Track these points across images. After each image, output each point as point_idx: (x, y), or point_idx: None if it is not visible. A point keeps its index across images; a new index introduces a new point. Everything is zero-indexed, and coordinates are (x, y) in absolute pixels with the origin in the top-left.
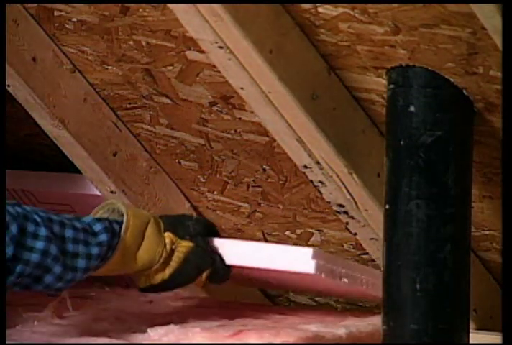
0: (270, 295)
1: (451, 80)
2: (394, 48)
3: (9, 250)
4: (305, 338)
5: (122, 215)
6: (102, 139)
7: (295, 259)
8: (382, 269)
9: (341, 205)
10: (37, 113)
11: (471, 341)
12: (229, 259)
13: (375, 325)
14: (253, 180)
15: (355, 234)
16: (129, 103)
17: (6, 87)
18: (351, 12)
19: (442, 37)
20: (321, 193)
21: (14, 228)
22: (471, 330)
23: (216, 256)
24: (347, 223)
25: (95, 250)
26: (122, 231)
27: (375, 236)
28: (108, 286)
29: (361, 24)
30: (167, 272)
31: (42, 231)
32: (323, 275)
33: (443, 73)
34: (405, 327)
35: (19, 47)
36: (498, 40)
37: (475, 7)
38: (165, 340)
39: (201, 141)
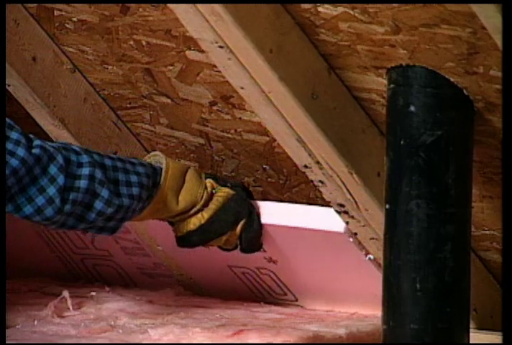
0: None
1: (452, 79)
2: (394, 48)
3: (60, 179)
4: (306, 338)
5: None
6: (102, 139)
7: (326, 219)
8: (382, 268)
9: (341, 205)
10: (37, 113)
11: (471, 341)
12: (263, 219)
13: (375, 325)
14: (253, 180)
15: (355, 234)
16: (129, 103)
17: (7, 86)
18: (351, 12)
19: (442, 36)
20: (321, 193)
21: (60, 159)
22: (471, 330)
23: (253, 208)
24: (347, 223)
25: (134, 178)
26: (163, 170)
27: (375, 235)
28: (108, 286)
29: (361, 23)
30: (206, 214)
31: (85, 158)
32: (351, 239)
33: (443, 73)
34: (405, 326)
35: (19, 47)
36: (498, 40)
37: (475, 7)
38: (165, 340)
39: (201, 140)
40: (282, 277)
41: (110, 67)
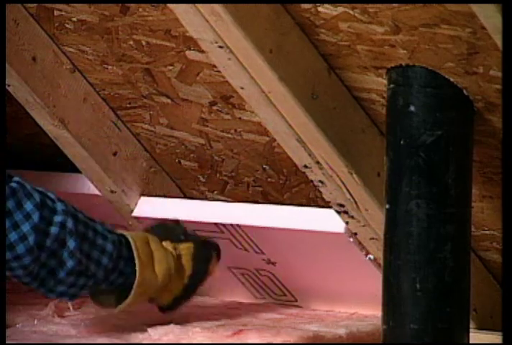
0: None
1: (452, 79)
2: (394, 48)
3: (35, 217)
4: (306, 337)
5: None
6: (102, 139)
7: (325, 220)
8: (382, 268)
9: (341, 205)
10: (37, 113)
11: (471, 341)
12: (261, 222)
13: (375, 325)
14: (253, 180)
15: (355, 234)
16: (129, 103)
17: (6, 87)
18: (351, 12)
19: (442, 36)
20: (321, 193)
21: (37, 197)
22: (471, 330)
23: (209, 238)
24: (347, 223)
25: (109, 247)
26: (133, 246)
27: (375, 235)
28: None
29: (361, 23)
30: (185, 275)
31: (59, 206)
32: (351, 239)
33: (443, 73)
34: (405, 326)
35: (19, 47)
36: (498, 40)
37: (475, 7)
38: (165, 339)
39: (201, 140)
40: (281, 278)
41: (110, 67)
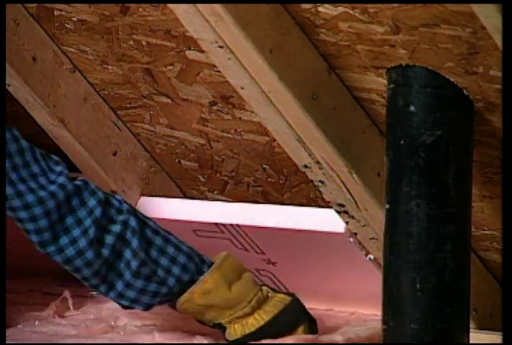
0: None
1: (452, 79)
2: (394, 48)
3: (98, 212)
4: (304, 339)
5: None
6: (102, 139)
7: (325, 220)
8: (382, 268)
9: (341, 205)
10: (37, 113)
11: (471, 341)
12: (261, 222)
13: (375, 329)
14: (253, 180)
15: (355, 234)
16: (129, 103)
17: (6, 86)
18: (351, 12)
19: (442, 36)
20: (321, 193)
21: (100, 194)
22: (471, 330)
23: (311, 315)
24: (347, 223)
25: (182, 258)
26: (222, 255)
27: (375, 235)
28: None
29: (361, 23)
30: (265, 316)
31: (124, 206)
32: (351, 239)
33: (443, 73)
34: (405, 326)
35: (19, 47)
36: (498, 40)
37: (475, 7)
38: (165, 340)
39: (201, 140)
40: (281, 278)
41: (110, 67)
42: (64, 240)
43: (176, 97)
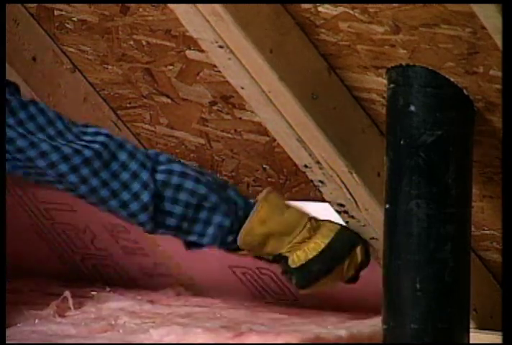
0: None
1: (452, 79)
2: (394, 48)
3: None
4: (307, 339)
5: None
6: None
7: (328, 214)
8: (382, 268)
9: (341, 205)
10: None
11: (471, 341)
12: None
13: (376, 327)
14: (253, 180)
15: None
16: (129, 103)
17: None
18: (351, 12)
19: (442, 36)
20: (321, 193)
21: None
22: (471, 330)
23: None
24: (347, 223)
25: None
26: (265, 192)
27: (375, 235)
28: (109, 286)
29: (361, 23)
30: (324, 239)
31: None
32: None
33: (443, 73)
34: (405, 326)
35: (19, 47)
36: (498, 40)
37: (475, 7)
38: (166, 340)
39: (201, 140)
40: (282, 277)
41: (110, 67)
42: (125, 195)
43: (176, 97)
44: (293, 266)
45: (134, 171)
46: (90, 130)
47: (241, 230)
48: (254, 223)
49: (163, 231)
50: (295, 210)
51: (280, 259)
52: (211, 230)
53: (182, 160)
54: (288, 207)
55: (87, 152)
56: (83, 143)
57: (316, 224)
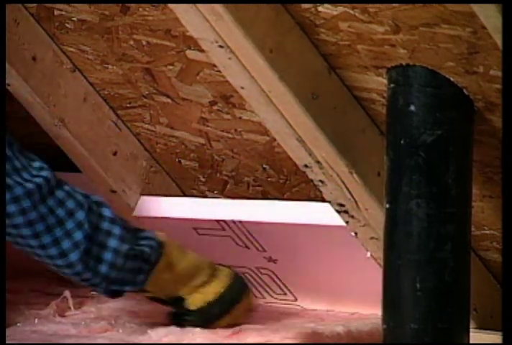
0: None
1: (452, 79)
2: (394, 47)
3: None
4: (304, 334)
5: None
6: (102, 139)
7: (328, 214)
8: (382, 268)
9: (341, 205)
10: (36, 113)
11: (471, 341)
12: (262, 217)
13: (375, 324)
14: (253, 180)
15: (356, 234)
16: (129, 103)
17: (6, 86)
18: (351, 11)
19: (442, 36)
20: (321, 192)
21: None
22: (471, 330)
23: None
24: (348, 223)
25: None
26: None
27: (376, 235)
28: None
29: (361, 23)
30: (222, 283)
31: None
32: (352, 233)
33: (443, 72)
34: (405, 326)
35: (19, 47)
36: (499, 39)
37: (476, 7)
38: (165, 340)
39: (201, 140)
40: (281, 276)
41: (110, 66)
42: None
43: (176, 97)
44: (192, 308)
45: (70, 209)
46: (35, 164)
47: (152, 274)
48: (163, 267)
49: (90, 278)
50: (195, 256)
51: (177, 301)
52: (140, 277)
53: (182, 160)
54: (186, 252)
55: (29, 185)
56: (28, 177)
57: (213, 269)
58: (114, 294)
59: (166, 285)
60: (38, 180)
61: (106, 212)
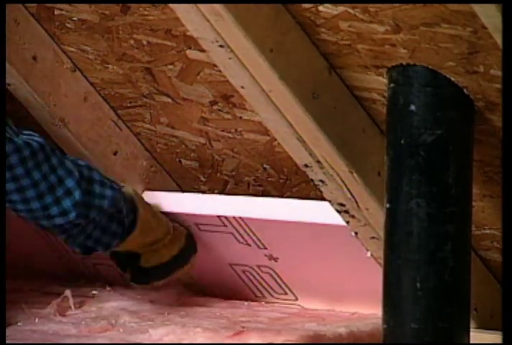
0: None
1: (452, 79)
2: (395, 47)
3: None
4: (307, 336)
5: None
6: (102, 138)
7: (330, 212)
8: (382, 268)
9: (341, 204)
10: (37, 112)
11: (471, 340)
12: (264, 214)
13: (375, 324)
14: (254, 179)
15: (356, 233)
16: (130, 102)
17: (7, 86)
18: (351, 11)
19: (443, 35)
20: (321, 192)
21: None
22: (471, 330)
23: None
24: (348, 223)
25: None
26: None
27: (376, 235)
28: (109, 285)
29: (361, 23)
30: (176, 246)
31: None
32: (352, 233)
33: (443, 72)
34: (405, 326)
35: (19, 46)
36: (499, 39)
37: (476, 6)
38: (166, 340)
39: (202, 140)
40: (282, 275)
41: (110, 66)
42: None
43: (177, 96)
44: (145, 265)
45: (60, 176)
46: (25, 132)
47: (124, 240)
48: (136, 234)
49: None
50: (160, 217)
51: (133, 256)
52: (114, 241)
53: (182, 160)
54: (157, 214)
55: (34, 144)
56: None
57: (171, 229)
58: (86, 250)
59: (131, 245)
60: (34, 143)
61: (96, 175)
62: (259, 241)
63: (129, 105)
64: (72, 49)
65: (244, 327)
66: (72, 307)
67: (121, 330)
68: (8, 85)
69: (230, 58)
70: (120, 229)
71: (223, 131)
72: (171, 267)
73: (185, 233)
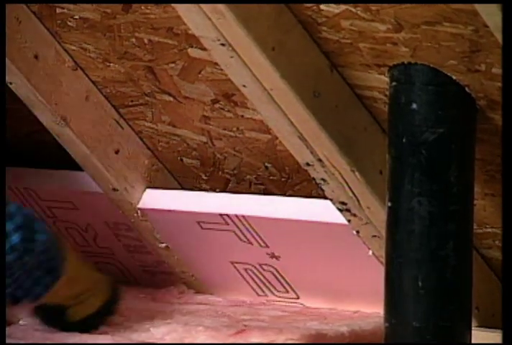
0: None
1: (454, 77)
2: (396, 46)
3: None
4: (308, 335)
5: None
6: (104, 137)
7: (330, 211)
8: (384, 266)
9: (343, 203)
10: (38, 111)
11: (473, 339)
12: (267, 213)
13: (377, 323)
14: (255, 178)
15: (357, 232)
16: (131, 101)
17: (8, 84)
18: (353, 10)
19: (444, 34)
20: (323, 191)
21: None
22: (473, 328)
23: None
24: (350, 221)
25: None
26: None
27: (377, 233)
28: None
29: (363, 21)
30: (104, 296)
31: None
32: (354, 232)
33: (445, 71)
34: (407, 324)
35: (21, 45)
36: (501, 38)
37: (478, 5)
38: (167, 339)
39: (203, 138)
40: (284, 273)
41: (112, 64)
42: None
43: (178, 95)
44: (71, 319)
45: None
46: None
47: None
48: (63, 282)
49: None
50: (88, 266)
51: (58, 308)
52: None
53: (184, 158)
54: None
55: None
56: None
57: (97, 279)
58: (15, 300)
59: (58, 296)
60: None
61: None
62: (261, 239)
63: (130, 103)
64: (73, 47)
65: (245, 325)
66: None
67: (122, 329)
68: (10, 83)
69: (232, 57)
70: (48, 277)
71: (224, 129)
72: (97, 319)
73: (111, 283)
